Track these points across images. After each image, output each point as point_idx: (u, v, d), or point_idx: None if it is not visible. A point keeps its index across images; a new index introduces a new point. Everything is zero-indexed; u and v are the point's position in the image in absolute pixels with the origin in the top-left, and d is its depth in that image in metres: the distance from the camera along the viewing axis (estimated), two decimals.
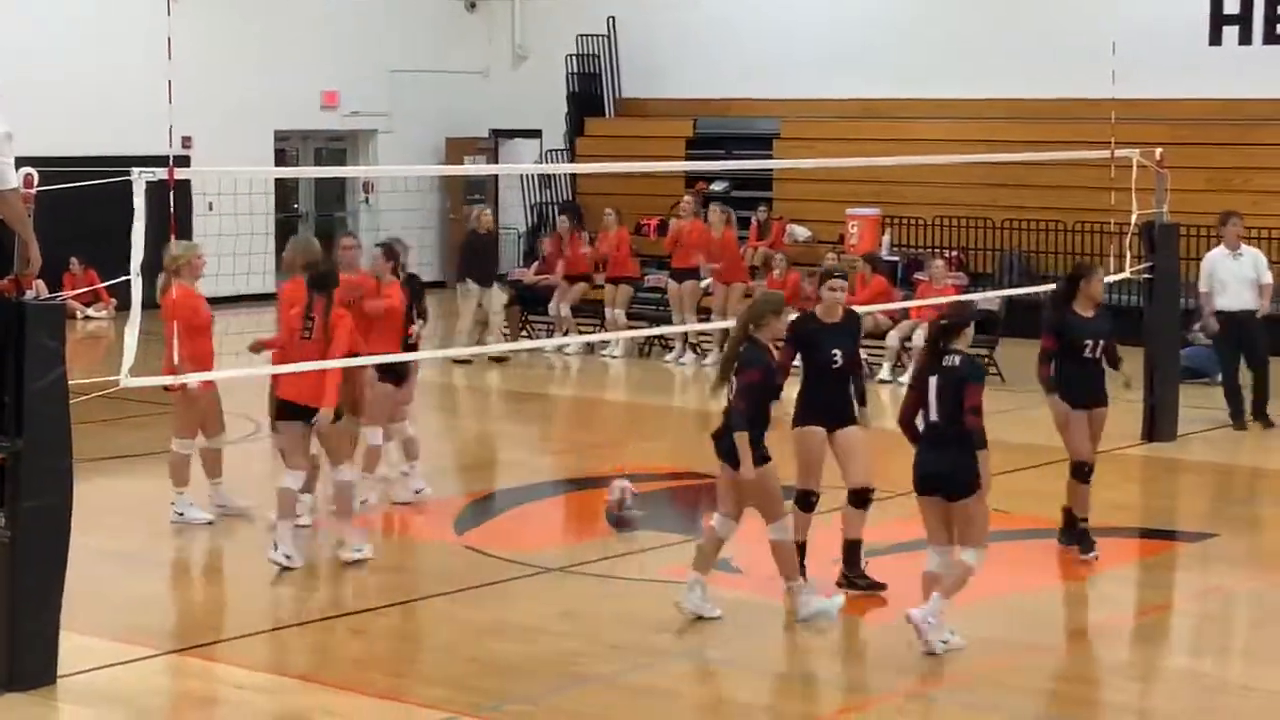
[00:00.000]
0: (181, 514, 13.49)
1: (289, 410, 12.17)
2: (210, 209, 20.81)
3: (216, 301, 14.11)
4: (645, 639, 10.57)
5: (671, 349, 23.03)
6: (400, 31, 30.97)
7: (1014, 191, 24.90)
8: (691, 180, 27.90)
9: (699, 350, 22.86)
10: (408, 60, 30.90)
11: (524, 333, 24.02)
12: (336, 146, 31.53)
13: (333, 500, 12.58)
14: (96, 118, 25.72)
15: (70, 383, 9.52)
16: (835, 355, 11.30)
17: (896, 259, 24.80)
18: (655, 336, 22.85)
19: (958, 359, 10.25)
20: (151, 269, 10.82)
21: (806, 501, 11.41)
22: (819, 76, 27.81)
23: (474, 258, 23.20)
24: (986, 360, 18.91)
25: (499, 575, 12.10)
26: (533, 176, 29.45)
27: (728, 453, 10.67)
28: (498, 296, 23.42)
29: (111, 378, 10.32)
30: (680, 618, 10.84)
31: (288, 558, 11.99)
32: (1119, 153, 17.76)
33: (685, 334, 22.53)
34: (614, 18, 30.01)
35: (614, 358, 23.02)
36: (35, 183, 9.27)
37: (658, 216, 27.51)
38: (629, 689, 9.73)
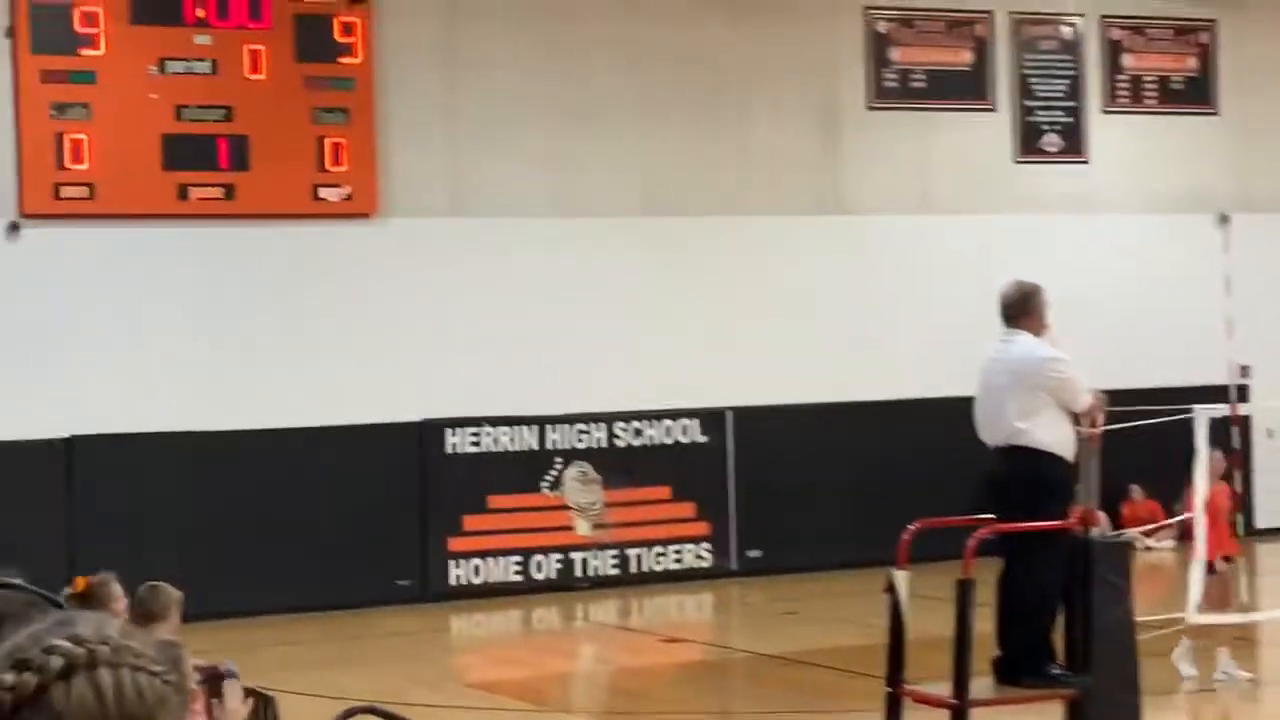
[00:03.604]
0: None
1: None
2: (1269, 435, 20.46)
3: None
4: None
5: None
6: None
7: None
8: None
9: None
10: None
11: None
12: None
13: None
14: (1148, 351, 25.90)
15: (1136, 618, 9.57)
16: None
17: None
18: None
19: None
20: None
21: None
22: None
23: None
24: None
25: None
26: None
27: None
28: None
29: (1175, 614, 10.25)
30: None
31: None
32: None
33: None
34: None
35: None
36: (1101, 422, 9.50)
37: None
38: None
